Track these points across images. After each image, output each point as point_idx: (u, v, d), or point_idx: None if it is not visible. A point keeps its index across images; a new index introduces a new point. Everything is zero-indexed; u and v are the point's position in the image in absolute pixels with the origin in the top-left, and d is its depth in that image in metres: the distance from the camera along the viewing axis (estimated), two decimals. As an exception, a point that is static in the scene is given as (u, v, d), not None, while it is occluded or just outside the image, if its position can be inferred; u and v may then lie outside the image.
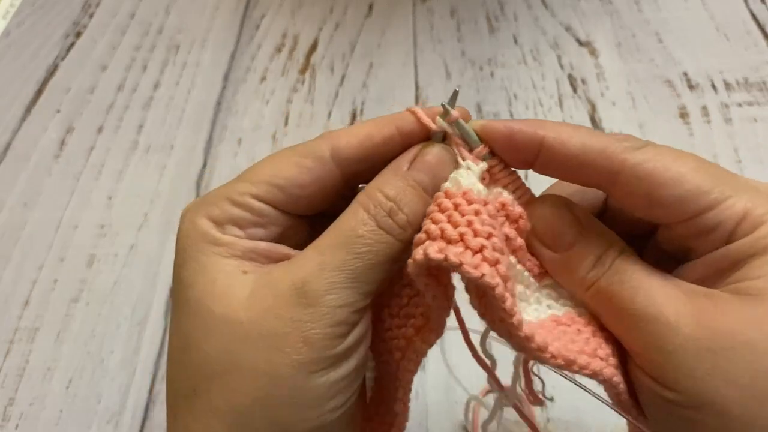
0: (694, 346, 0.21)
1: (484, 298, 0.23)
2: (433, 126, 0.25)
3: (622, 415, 0.25)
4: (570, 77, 0.61)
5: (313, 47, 0.68)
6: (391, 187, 0.24)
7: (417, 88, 0.63)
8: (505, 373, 0.29)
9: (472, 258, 0.22)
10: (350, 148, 0.25)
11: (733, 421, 0.21)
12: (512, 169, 0.26)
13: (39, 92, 0.66)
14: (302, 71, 0.66)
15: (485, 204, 0.23)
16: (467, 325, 0.27)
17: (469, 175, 0.24)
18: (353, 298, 0.23)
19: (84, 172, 0.59)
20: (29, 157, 0.61)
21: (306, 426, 0.23)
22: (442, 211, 0.23)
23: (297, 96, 0.63)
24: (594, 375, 0.24)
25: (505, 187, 0.26)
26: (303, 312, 0.22)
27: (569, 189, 0.27)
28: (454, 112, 0.25)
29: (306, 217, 0.27)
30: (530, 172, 0.25)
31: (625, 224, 0.26)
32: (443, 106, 0.25)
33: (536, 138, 0.24)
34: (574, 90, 0.60)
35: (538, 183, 0.28)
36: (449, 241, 0.22)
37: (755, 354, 0.21)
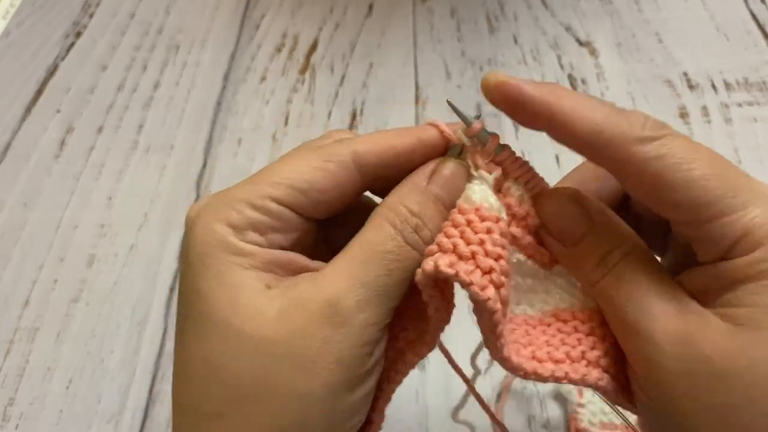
0: (674, 366, 0.21)
1: (481, 314, 0.24)
2: (454, 138, 0.25)
3: (617, 412, 0.25)
4: (570, 77, 0.61)
5: (313, 47, 0.68)
6: (414, 203, 0.24)
7: (417, 88, 0.63)
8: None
9: (480, 279, 0.22)
10: (372, 156, 0.25)
11: None
12: (524, 160, 0.26)
13: (39, 92, 0.66)
14: (302, 71, 0.66)
15: (497, 221, 0.24)
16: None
17: (482, 189, 0.24)
18: (382, 315, 0.23)
19: (84, 172, 0.59)
20: (29, 157, 0.61)
21: None
22: (455, 226, 0.23)
23: (297, 96, 0.63)
24: (574, 383, 0.24)
25: (516, 179, 0.25)
26: (335, 332, 0.22)
27: (588, 171, 0.27)
28: (476, 124, 0.25)
29: (315, 221, 0.26)
30: (561, 156, 0.25)
31: (648, 212, 0.26)
32: (449, 104, 0.25)
33: (546, 111, 0.23)
34: (575, 90, 0.60)
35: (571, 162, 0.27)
36: (461, 257, 0.22)
37: (729, 386, 0.20)
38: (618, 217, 0.25)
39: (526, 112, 0.23)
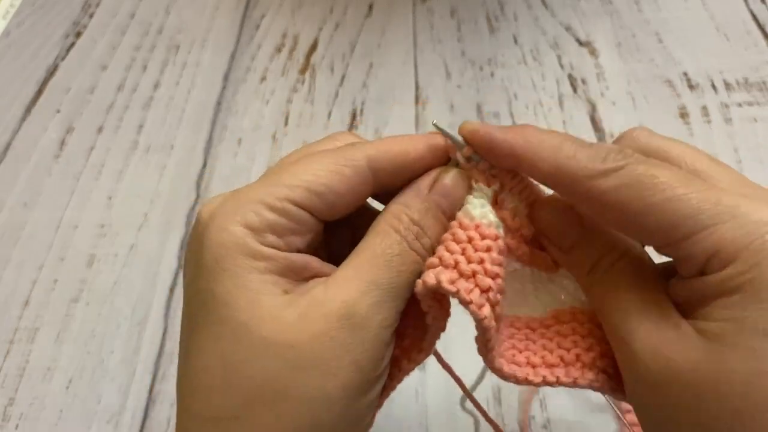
0: (650, 378, 0.22)
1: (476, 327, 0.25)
2: (461, 161, 0.26)
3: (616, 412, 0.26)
4: (570, 77, 0.61)
5: (313, 47, 0.68)
6: (416, 211, 0.25)
7: (417, 88, 0.63)
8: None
9: (479, 298, 0.23)
10: (386, 161, 0.25)
11: None
12: (517, 172, 0.26)
13: (39, 92, 0.66)
14: (302, 71, 0.66)
15: (496, 239, 0.24)
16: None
17: (481, 204, 0.25)
18: (393, 317, 0.24)
19: (84, 172, 0.59)
20: (29, 157, 0.61)
21: None
22: (456, 241, 0.24)
23: (297, 96, 0.63)
24: (567, 386, 0.25)
25: (511, 190, 0.26)
26: (353, 335, 0.22)
27: None
28: (466, 150, 0.25)
29: (324, 224, 0.26)
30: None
31: None
32: (436, 127, 0.26)
33: (511, 153, 0.24)
34: (574, 90, 0.60)
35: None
36: (462, 274, 0.23)
37: (700, 401, 0.20)
38: None
39: (497, 155, 0.25)
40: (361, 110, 0.61)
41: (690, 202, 0.21)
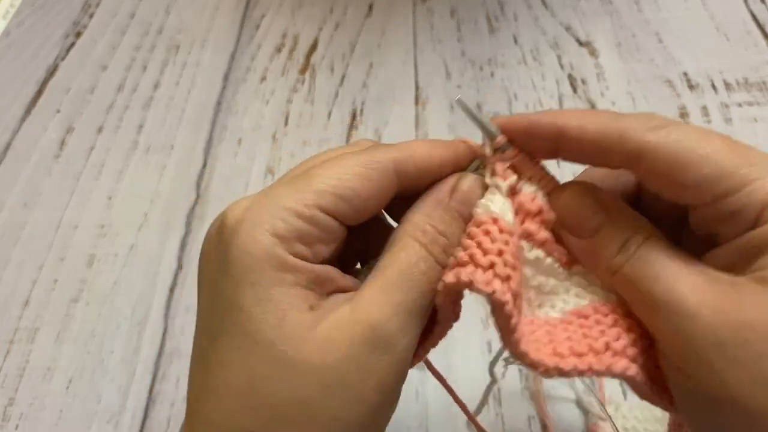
0: (713, 337, 0.21)
1: (497, 314, 0.24)
2: (488, 153, 0.26)
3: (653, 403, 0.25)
4: (570, 77, 0.61)
5: (313, 47, 0.68)
6: (440, 221, 0.24)
7: (417, 88, 0.63)
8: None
9: (500, 285, 0.23)
10: (411, 165, 0.25)
11: (752, 417, 0.20)
12: (537, 160, 0.26)
13: (39, 92, 0.66)
14: (302, 71, 0.66)
15: (512, 234, 0.24)
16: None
17: (496, 200, 0.25)
18: (417, 336, 0.23)
19: (84, 172, 0.59)
20: (29, 157, 0.61)
21: None
22: (471, 237, 0.24)
23: (297, 96, 0.63)
24: (599, 374, 0.24)
25: (529, 179, 0.26)
26: (379, 359, 0.22)
27: (598, 172, 0.27)
28: (500, 138, 0.25)
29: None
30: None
31: (661, 207, 0.26)
32: (460, 105, 0.25)
33: (555, 128, 0.24)
34: (574, 90, 0.60)
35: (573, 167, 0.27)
36: (478, 266, 0.23)
37: None
38: (630, 208, 0.25)
39: (538, 136, 0.24)
40: (361, 110, 0.61)
41: (741, 154, 0.22)
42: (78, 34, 0.72)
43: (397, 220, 0.26)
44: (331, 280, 0.24)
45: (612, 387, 0.42)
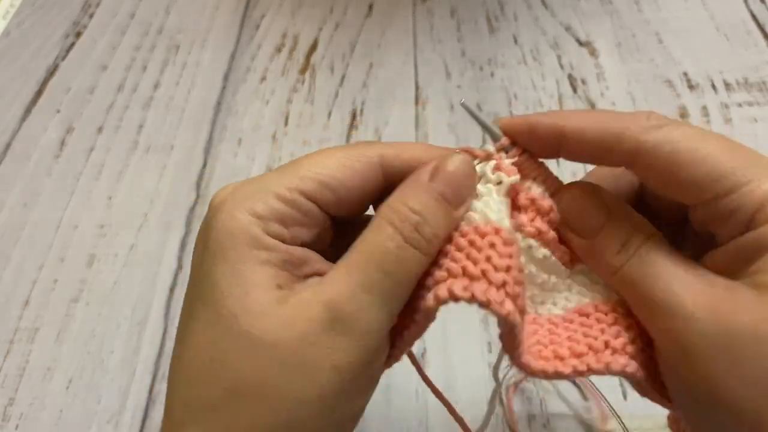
0: (710, 342, 0.21)
1: (502, 327, 0.24)
2: (492, 152, 0.26)
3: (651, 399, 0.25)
4: (570, 77, 0.61)
5: (313, 47, 0.68)
6: (415, 201, 0.23)
7: (417, 88, 0.63)
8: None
9: (497, 295, 0.22)
10: (399, 162, 0.25)
11: (743, 415, 0.21)
12: (539, 160, 0.26)
13: (39, 92, 0.66)
14: (302, 71, 0.66)
15: (512, 245, 0.24)
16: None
17: (492, 204, 0.24)
18: (383, 321, 0.23)
19: (84, 172, 0.59)
20: (29, 157, 0.61)
21: None
22: (477, 249, 0.23)
23: (297, 96, 0.63)
24: (598, 373, 0.24)
25: (534, 179, 0.26)
26: (335, 339, 0.22)
27: (603, 173, 0.28)
28: (504, 140, 0.25)
29: (334, 220, 0.26)
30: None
31: (664, 207, 0.26)
32: (465, 107, 0.25)
33: (555, 129, 0.24)
34: (574, 90, 0.60)
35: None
36: (491, 284, 0.22)
37: (765, 357, 0.20)
38: (632, 209, 0.25)
39: (540, 137, 0.24)
40: (361, 110, 0.61)
41: (738, 155, 0.22)
42: (78, 34, 0.72)
43: None
44: (308, 263, 0.24)
45: (612, 396, 0.42)
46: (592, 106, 0.59)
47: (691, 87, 0.59)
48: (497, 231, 0.24)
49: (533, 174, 0.26)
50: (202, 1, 0.74)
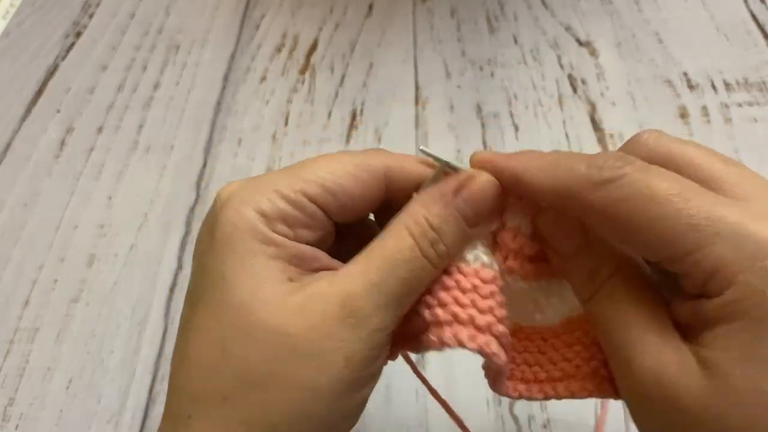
0: (648, 401, 0.21)
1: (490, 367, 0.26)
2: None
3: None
4: (570, 77, 0.61)
5: (313, 47, 0.68)
6: (435, 216, 0.24)
7: (417, 88, 0.63)
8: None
9: (497, 347, 0.24)
10: (403, 175, 0.25)
11: None
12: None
13: (39, 92, 0.66)
14: (302, 71, 0.66)
15: (493, 279, 0.25)
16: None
17: (473, 245, 0.25)
18: (391, 321, 0.24)
19: (84, 172, 0.59)
20: (29, 157, 0.61)
21: None
22: (482, 296, 0.24)
23: (297, 96, 0.63)
24: (567, 398, 0.26)
25: (513, 208, 0.26)
26: (349, 332, 0.22)
27: None
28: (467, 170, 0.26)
29: (335, 227, 0.26)
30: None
31: None
32: (423, 151, 0.26)
33: (512, 177, 0.24)
34: (574, 90, 0.60)
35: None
36: (494, 336, 0.24)
37: (700, 430, 0.20)
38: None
39: (503, 180, 0.25)
40: (361, 110, 0.61)
41: (689, 218, 0.20)
42: (78, 34, 0.72)
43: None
44: (316, 259, 0.24)
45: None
46: (592, 106, 0.59)
47: (691, 87, 0.59)
48: (494, 279, 0.25)
49: (510, 200, 0.26)
50: (202, 1, 0.74)
